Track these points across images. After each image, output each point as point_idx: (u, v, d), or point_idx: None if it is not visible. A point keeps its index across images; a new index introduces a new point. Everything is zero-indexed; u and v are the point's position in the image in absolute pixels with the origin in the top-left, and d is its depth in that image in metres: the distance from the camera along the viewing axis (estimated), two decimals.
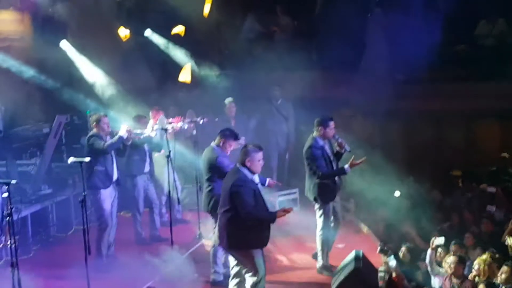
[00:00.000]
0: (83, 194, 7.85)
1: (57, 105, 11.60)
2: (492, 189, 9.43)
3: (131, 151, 9.71)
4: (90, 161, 8.43)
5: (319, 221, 8.59)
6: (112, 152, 9.03)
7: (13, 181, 7.39)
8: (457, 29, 12.56)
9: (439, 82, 12.35)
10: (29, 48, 11.94)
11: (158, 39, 12.88)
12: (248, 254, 6.78)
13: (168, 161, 9.26)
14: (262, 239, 6.81)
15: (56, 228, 10.58)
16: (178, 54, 13.01)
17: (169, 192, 9.56)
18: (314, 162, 8.42)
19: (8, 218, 7.14)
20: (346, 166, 8.29)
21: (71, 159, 8.20)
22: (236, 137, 8.25)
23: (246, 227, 6.68)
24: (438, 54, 11.87)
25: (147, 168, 10.04)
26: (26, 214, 9.62)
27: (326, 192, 8.48)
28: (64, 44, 11.97)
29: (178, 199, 10.03)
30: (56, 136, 10.35)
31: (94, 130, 9.06)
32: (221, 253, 8.28)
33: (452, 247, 8.02)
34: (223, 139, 8.12)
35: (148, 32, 12.74)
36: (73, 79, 12.35)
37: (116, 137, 8.90)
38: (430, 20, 11.95)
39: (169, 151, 9.30)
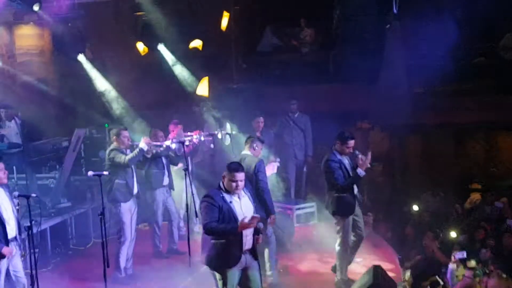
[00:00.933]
0: (102, 207, 7.89)
1: (76, 119, 11.68)
2: (499, 205, 9.32)
3: (150, 164, 9.75)
4: (110, 174, 8.48)
5: (339, 234, 8.55)
6: (132, 166, 9.08)
7: (33, 195, 7.47)
8: (476, 41, 12.52)
9: (457, 94, 12.30)
10: (49, 62, 12.06)
11: (168, 55, 12.88)
12: (220, 274, 6.75)
13: (186, 174, 9.29)
14: (227, 259, 6.70)
15: (75, 241, 10.63)
16: (183, 72, 12.97)
17: (187, 205, 9.55)
18: (332, 175, 8.41)
19: (28, 231, 7.19)
20: (358, 169, 8.19)
21: (90, 173, 8.26)
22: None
23: (214, 244, 6.70)
24: (457, 66, 11.83)
25: (166, 181, 10.06)
26: (46, 227, 9.67)
27: (345, 206, 8.44)
28: (81, 58, 12.08)
29: (196, 212, 10.02)
30: (75, 150, 10.43)
31: (114, 144, 9.10)
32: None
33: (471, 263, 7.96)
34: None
35: (161, 47, 12.77)
36: (92, 93, 12.44)
37: (136, 150, 8.94)
38: (449, 32, 11.92)
39: (187, 164, 9.34)
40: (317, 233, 10.59)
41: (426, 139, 12.28)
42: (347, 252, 8.58)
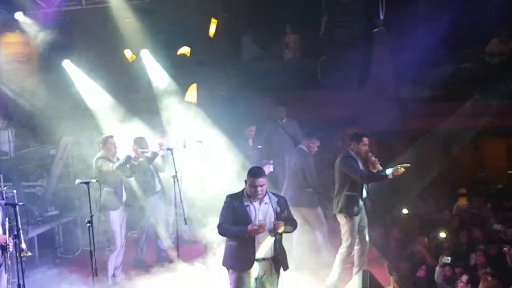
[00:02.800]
0: (90, 215, 7.86)
1: (63, 126, 11.61)
2: (497, 226, 9.35)
3: (140, 171, 9.69)
4: (98, 182, 8.46)
5: (344, 238, 8.50)
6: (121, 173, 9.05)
7: (20, 203, 7.42)
8: (462, 47, 12.59)
9: (445, 100, 12.34)
10: (35, 70, 11.99)
11: (150, 61, 12.79)
12: (232, 276, 6.77)
13: (174, 181, 9.27)
14: (240, 262, 6.72)
15: (63, 249, 10.56)
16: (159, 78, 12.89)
17: (176, 212, 9.52)
18: (351, 168, 8.35)
19: (15, 239, 7.14)
20: (389, 170, 8.05)
21: (77, 181, 8.23)
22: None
23: (228, 246, 6.79)
24: (444, 72, 11.88)
25: (158, 187, 10.03)
26: (33, 236, 9.61)
27: (352, 204, 8.39)
28: (67, 65, 12.02)
29: (185, 219, 9.97)
30: (62, 158, 10.37)
31: (101, 152, 9.07)
32: None
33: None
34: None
35: (144, 53, 12.71)
36: (79, 100, 12.37)
37: (124, 157, 8.92)
38: (436, 38, 11.97)
39: (176, 171, 9.32)
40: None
41: (414, 144, 12.30)
42: (349, 257, 8.52)
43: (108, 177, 8.91)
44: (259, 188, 6.63)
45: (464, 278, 7.45)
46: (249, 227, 6.55)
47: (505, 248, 8.39)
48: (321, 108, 12.47)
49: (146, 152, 9.43)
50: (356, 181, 8.37)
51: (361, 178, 8.33)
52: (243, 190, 6.78)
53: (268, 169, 9.98)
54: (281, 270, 6.82)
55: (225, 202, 6.78)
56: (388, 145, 12.33)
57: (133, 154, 8.98)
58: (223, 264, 6.88)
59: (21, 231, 7.25)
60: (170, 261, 9.75)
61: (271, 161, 10.59)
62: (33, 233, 9.57)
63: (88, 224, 7.81)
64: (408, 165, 8.08)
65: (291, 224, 6.77)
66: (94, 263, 7.80)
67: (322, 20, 13.79)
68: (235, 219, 6.65)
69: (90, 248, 7.83)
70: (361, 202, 8.43)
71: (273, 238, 6.67)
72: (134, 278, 9.19)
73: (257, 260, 6.70)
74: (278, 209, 6.73)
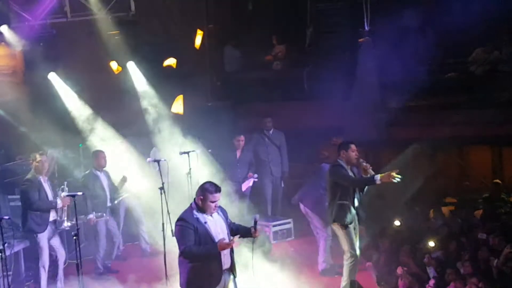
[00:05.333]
0: (76, 228, 7.84)
1: (49, 139, 11.56)
2: (482, 235, 9.37)
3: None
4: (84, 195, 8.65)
5: (345, 248, 8.51)
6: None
7: (6, 217, 7.39)
8: (447, 57, 12.68)
9: (430, 109, 12.42)
10: (21, 82, 11.94)
11: (135, 74, 12.79)
12: None
13: (161, 193, 9.26)
14: (208, 280, 6.67)
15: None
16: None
17: (163, 224, 9.47)
18: (340, 176, 8.39)
19: (0, 254, 7.09)
20: (378, 176, 8.06)
21: (63, 194, 8.22)
22: None
23: (192, 266, 6.62)
24: (429, 81, 11.95)
25: (108, 204, 10.23)
26: (19, 249, 9.54)
27: (345, 212, 8.39)
28: (53, 77, 11.98)
29: (172, 230, 9.86)
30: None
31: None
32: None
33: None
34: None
35: (130, 65, 12.69)
36: (65, 112, 12.32)
37: (50, 204, 9.06)
38: (420, 48, 12.07)
39: (162, 183, 9.31)
40: (294, 249, 10.58)
41: (400, 154, 12.35)
42: (356, 267, 8.51)
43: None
44: (217, 203, 6.70)
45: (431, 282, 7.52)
46: (221, 244, 6.54)
47: (493, 260, 8.40)
48: (307, 119, 12.50)
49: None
50: (347, 189, 8.41)
51: (351, 183, 8.38)
52: (190, 208, 6.70)
53: (249, 182, 10.91)
54: (232, 276, 6.85)
55: (180, 226, 6.58)
56: (374, 155, 12.36)
57: (60, 205, 9.07)
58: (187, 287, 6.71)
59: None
60: (113, 272, 10.21)
61: (256, 175, 11.39)
62: (19, 247, 9.49)
63: (75, 238, 7.77)
64: (398, 171, 8.09)
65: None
66: (81, 276, 7.77)
67: (307, 31, 13.89)
68: (198, 239, 6.57)
69: (77, 261, 7.79)
70: (353, 211, 8.46)
71: (229, 249, 6.71)
72: None
73: (223, 272, 6.71)
74: (224, 217, 6.84)
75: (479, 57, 12.47)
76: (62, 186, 9.04)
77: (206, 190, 6.64)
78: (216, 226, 6.68)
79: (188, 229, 6.54)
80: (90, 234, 10.57)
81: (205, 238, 6.58)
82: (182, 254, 6.60)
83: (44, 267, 9.10)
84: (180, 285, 6.81)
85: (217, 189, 6.69)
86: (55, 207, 9.03)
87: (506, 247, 8.46)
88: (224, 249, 6.58)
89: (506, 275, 8.13)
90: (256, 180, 11.64)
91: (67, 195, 8.37)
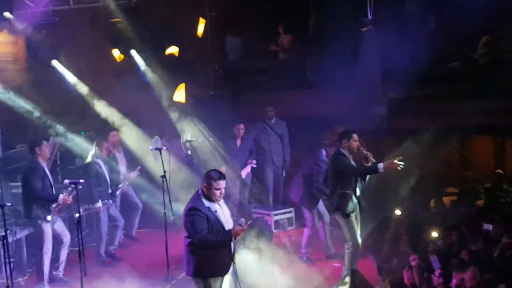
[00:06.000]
0: (78, 215, 7.85)
1: (51, 126, 11.57)
2: (488, 227, 9.36)
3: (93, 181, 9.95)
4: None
5: (347, 237, 8.55)
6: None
7: (8, 204, 7.41)
8: (450, 46, 12.61)
9: (432, 99, 12.37)
10: (23, 69, 11.94)
11: (140, 61, 12.80)
12: (203, 283, 6.77)
13: (163, 181, 9.31)
14: (220, 267, 6.78)
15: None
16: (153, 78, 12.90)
17: (164, 213, 9.50)
18: (342, 165, 8.41)
19: (3, 240, 7.12)
20: (381, 164, 8.09)
21: (66, 181, 8.25)
22: None
23: (204, 255, 6.70)
24: (432, 71, 11.91)
25: (109, 190, 10.27)
26: (21, 236, 9.57)
27: (347, 202, 8.41)
28: (56, 64, 11.98)
29: (174, 219, 9.90)
30: (50, 158, 10.32)
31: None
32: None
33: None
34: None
35: (133, 53, 12.69)
36: (67, 100, 12.32)
37: (52, 197, 9.00)
38: (423, 37, 12.01)
39: (164, 171, 9.35)
40: (295, 238, 10.60)
41: (401, 143, 12.34)
42: (357, 254, 8.54)
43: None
44: (222, 190, 6.80)
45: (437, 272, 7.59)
46: (236, 230, 6.68)
47: (496, 251, 8.41)
48: (309, 107, 12.48)
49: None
50: (349, 178, 8.41)
51: (353, 172, 8.39)
52: (199, 197, 6.76)
53: (248, 168, 11.24)
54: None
55: (193, 215, 6.65)
56: (376, 144, 12.36)
57: (61, 201, 8.98)
58: (196, 275, 6.78)
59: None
60: (118, 259, 10.34)
61: (254, 161, 11.60)
62: (21, 234, 9.52)
63: (77, 225, 7.80)
64: (400, 158, 8.09)
65: None
66: (83, 264, 7.80)
67: (310, 20, 13.83)
68: (211, 228, 6.66)
69: (79, 248, 7.82)
70: (355, 200, 8.47)
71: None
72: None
73: None
74: (225, 204, 6.98)
75: (484, 47, 12.39)
76: (69, 188, 8.89)
77: (211, 178, 6.72)
78: (223, 214, 6.81)
79: (201, 218, 6.63)
80: (91, 222, 10.58)
81: (216, 226, 6.69)
82: (197, 243, 6.65)
83: (47, 254, 9.09)
84: (188, 274, 6.87)
85: (221, 176, 6.77)
86: (55, 201, 8.95)
87: (504, 236, 8.47)
88: (238, 235, 6.72)
89: (506, 265, 8.14)
90: (254, 166, 11.67)
91: (70, 182, 8.36)
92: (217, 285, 6.82)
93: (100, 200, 9.82)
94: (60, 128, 11.45)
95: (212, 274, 6.76)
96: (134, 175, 10.85)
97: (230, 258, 6.80)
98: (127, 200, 11.05)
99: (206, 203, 6.72)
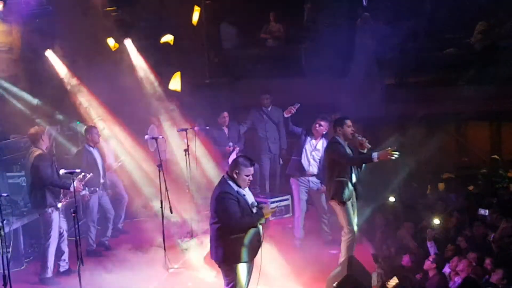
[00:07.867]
0: (75, 205, 7.85)
1: (46, 116, 11.54)
2: (484, 212, 9.37)
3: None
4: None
5: (344, 224, 8.55)
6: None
7: (4, 194, 7.39)
8: (446, 32, 12.61)
9: (428, 85, 12.39)
10: (17, 59, 11.88)
11: (133, 51, 12.72)
12: (232, 268, 6.77)
13: (159, 170, 9.30)
14: (250, 251, 6.77)
15: None
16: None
17: (161, 202, 9.49)
18: (338, 152, 8.39)
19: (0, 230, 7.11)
20: (375, 153, 8.06)
21: (62, 171, 8.21)
22: None
23: (234, 239, 6.69)
24: (428, 57, 11.91)
25: (101, 181, 10.19)
26: (18, 226, 9.57)
27: (343, 189, 8.41)
28: (50, 54, 11.92)
29: (170, 208, 9.86)
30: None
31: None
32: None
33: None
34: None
35: (127, 42, 12.62)
36: (62, 90, 12.28)
37: (64, 185, 8.87)
38: (419, 24, 11.99)
39: (160, 161, 9.35)
40: (292, 226, 10.61)
41: (397, 130, 12.35)
42: (354, 242, 8.56)
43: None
44: (251, 177, 6.83)
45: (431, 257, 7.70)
46: (267, 210, 6.83)
47: (492, 235, 8.44)
48: (305, 95, 12.45)
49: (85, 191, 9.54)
50: (345, 166, 8.41)
51: (348, 161, 8.38)
52: (228, 182, 6.75)
53: (233, 155, 11.09)
54: None
55: (227, 199, 6.63)
56: (372, 131, 12.35)
57: (72, 189, 8.68)
58: (226, 261, 6.77)
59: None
60: (110, 249, 10.30)
61: (235, 145, 11.66)
62: (18, 224, 9.52)
63: (73, 214, 7.79)
64: (395, 148, 8.08)
65: None
66: (79, 253, 7.80)
67: (305, 7, 13.80)
68: (241, 211, 6.68)
69: (75, 237, 7.81)
70: (351, 187, 8.47)
71: None
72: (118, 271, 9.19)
73: None
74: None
75: (479, 33, 12.38)
76: (80, 176, 8.82)
77: (242, 164, 6.75)
78: (251, 198, 6.87)
79: (233, 201, 6.65)
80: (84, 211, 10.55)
81: (246, 209, 6.72)
82: (232, 226, 6.64)
83: (54, 243, 9.02)
84: (216, 260, 6.87)
85: (252, 163, 6.83)
86: (67, 188, 8.81)
87: (502, 222, 8.50)
88: (269, 215, 6.88)
89: (504, 250, 8.17)
90: (237, 148, 11.66)
91: (66, 172, 8.32)
92: (248, 270, 6.82)
93: (86, 188, 9.57)
94: (60, 116, 11.40)
95: (242, 259, 6.74)
96: (116, 165, 10.86)
97: (259, 241, 6.80)
98: (115, 192, 10.99)
99: (235, 187, 6.74)
